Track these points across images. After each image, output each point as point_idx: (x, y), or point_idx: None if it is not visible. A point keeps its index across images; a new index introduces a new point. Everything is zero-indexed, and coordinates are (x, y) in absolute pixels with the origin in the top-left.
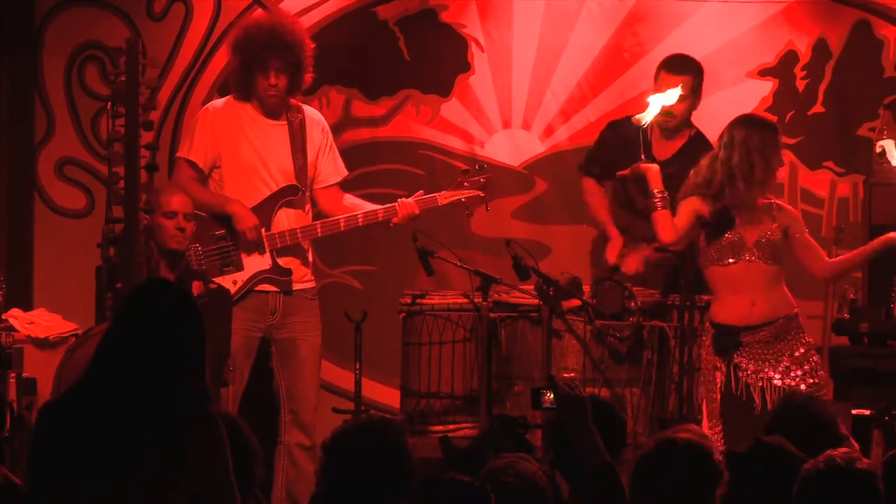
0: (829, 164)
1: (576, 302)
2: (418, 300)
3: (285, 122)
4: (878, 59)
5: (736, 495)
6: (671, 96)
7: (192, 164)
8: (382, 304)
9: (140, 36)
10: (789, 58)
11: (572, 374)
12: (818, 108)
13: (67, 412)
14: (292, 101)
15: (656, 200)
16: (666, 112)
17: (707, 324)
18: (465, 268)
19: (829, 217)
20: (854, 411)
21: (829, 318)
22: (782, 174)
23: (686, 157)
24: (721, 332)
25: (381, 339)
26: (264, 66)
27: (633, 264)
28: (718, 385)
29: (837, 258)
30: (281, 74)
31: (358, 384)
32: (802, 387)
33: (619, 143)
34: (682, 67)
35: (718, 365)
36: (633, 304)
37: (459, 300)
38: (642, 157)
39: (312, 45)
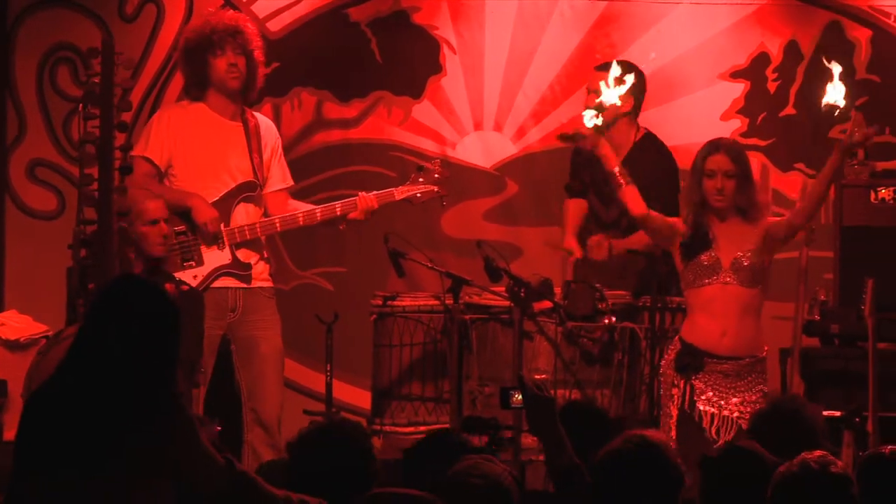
0: (801, 165)
1: (547, 303)
2: (389, 302)
3: (241, 123)
4: (849, 61)
5: (709, 500)
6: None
7: (149, 161)
8: (353, 305)
9: (112, 37)
10: (761, 60)
11: (544, 376)
12: (790, 109)
13: (47, 403)
14: (245, 108)
15: (619, 179)
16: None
17: (676, 337)
18: (436, 269)
19: None
20: (825, 413)
21: (800, 320)
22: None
23: (632, 161)
24: (685, 351)
25: (352, 341)
26: (222, 46)
27: (600, 251)
28: (675, 401)
29: (807, 193)
30: (239, 55)
31: (329, 386)
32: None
33: (586, 161)
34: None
35: (676, 382)
36: (604, 305)
37: (430, 302)
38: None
39: (261, 43)
